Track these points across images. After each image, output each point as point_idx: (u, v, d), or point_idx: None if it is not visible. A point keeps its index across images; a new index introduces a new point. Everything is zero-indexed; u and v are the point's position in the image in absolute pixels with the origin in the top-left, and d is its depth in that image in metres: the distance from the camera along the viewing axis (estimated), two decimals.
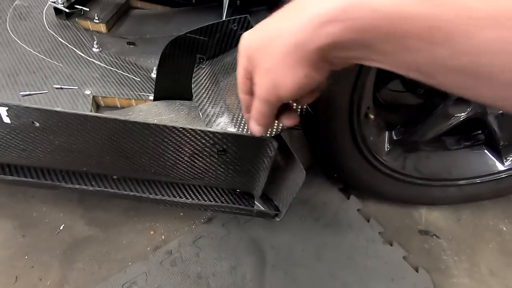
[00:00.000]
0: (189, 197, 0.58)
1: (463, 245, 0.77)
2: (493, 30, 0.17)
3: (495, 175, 0.76)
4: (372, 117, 0.68)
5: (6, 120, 0.41)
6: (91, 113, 0.41)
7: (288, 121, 0.35)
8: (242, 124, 0.50)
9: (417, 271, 0.70)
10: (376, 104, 0.73)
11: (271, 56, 0.26)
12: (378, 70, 0.64)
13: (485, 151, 0.77)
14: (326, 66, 0.25)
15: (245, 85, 0.31)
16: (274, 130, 0.45)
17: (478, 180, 0.76)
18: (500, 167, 0.76)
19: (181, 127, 0.42)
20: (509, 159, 0.75)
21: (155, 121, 0.65)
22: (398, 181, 0.74)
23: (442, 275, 0.71)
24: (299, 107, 0.42)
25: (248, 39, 0.29)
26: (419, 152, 0.76)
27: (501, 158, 0.76)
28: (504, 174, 0.75)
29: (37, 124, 0.42)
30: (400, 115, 0.79)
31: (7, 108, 0.40)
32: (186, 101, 0.71)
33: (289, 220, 0.75)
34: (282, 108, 0.35)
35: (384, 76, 0.74)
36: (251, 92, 0.32)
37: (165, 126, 0.42)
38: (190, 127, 0.42)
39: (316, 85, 0.27)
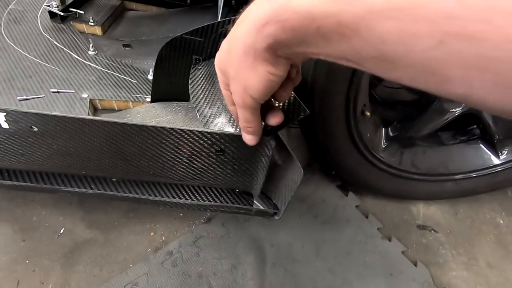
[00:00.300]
0: (188, 198, 0.58)
1: (460, 238, 0.78)
2: (388, 22, 0.19)
3: (491, 169, 0.77)
4: (368, 114, 0.69)
5: (4, 125, 0.41)
6: (89, 117, 0.41)
7: (274, 120, 0.37)
8: (239, 124, 0.50)
9: (415, 265, 0.71)
10: (372, 101, 0.73)
11: (233, 64, 0.29)
12: None
13: (481, 145, 0.78)
14: (282, 61, 0.28)
15: (228, 97, 0.35)
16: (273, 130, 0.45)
17: (474, 174, 0.77)
18: (496, 161, 0.77)
19: (179, 129, 0.42)
20: (504, 153, 0.76)
21: (153, 123, 0.66)
22: (396, 177, 0.75)
23: (441, 269, 0.72)
24: (286, 106, 0.43)
25: (218, 55, 0.32)
26: (416, 147, 0.77)
27: (496, 152, 0.77)
28: (500, 168, 0.76)
29: (36, 129, 0.42)
30: (396, 111, 0.80)
31: (5, 114, 0.40)
32: (183, 102, 0.71)
33: (288, 218, 0.75)
34: (265, 110, 0.37)
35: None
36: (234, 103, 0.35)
37: (163, 128, 0.42)
38: (188, 128, 0.42)
39: (282, 79, 0.30)
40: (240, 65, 0.29)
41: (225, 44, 0.31)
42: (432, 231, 0.80)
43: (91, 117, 0.41)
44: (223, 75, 0.32)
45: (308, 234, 0.73)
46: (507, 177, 0.79)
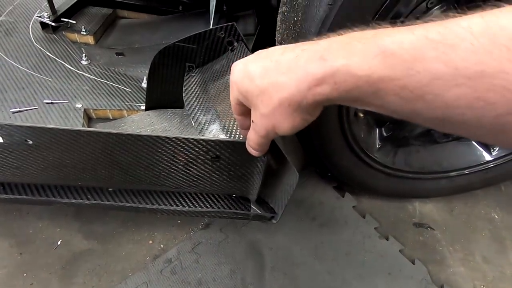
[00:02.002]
0: (185, 205, 0.58)
1: (457, 235, 0.79)
2: (457, 89, 0.20)
3: (484, 165, 0.78)
4: (361, 115, 0.70)
5: None
6: (84, 128, 0.41)
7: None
8: (234, 130, 0.50)
9: (413, 263, 0.71)
10: None
11: (268, 105, 0.30)
12: None
13: (473, 142, 0.79)
14: (320, 109, 0.29)
15: (238, 109, 0.35)
16: None
17: (467, 171, 0.78)
18: (488, 157, 0.78)
19: (174, 137, 0.42)
20: (495, 149, 0.78)
21: (148, 132, 0.66)
22: (391, 176, 0.76)
23: (438, 266, 0.73)
24: None
25: (241, 81, 0.32)
26: (409, 147, 0.78)
27: (488, 148, 0.78)
28: (492, 164, 0.78)
29: (30, 142, 0.42)
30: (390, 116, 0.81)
31: None
32: (178, 110, 0.71)
33: (286, 221, 0.76)
34: None
35: None
36: (243, 114, 0.36)
37: (158, 137, 0.42)
38: (183, 136, 0.42)
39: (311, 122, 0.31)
40: (277, 111, 0.29)
41: (255, 78, 0.30)
42: (429, 228, 0.80)
43: (86, 128, 0.41)
44: (242, 97, 0.32)
45: (306, 237, 0.73)
46: (499, 173, 0.80)
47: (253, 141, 0.36)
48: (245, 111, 0.35)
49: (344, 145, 0.67)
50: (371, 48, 0.23)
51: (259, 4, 1.02)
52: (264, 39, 0.95)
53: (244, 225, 0.74)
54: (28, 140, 0.42)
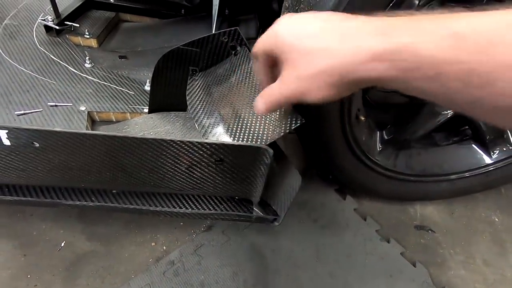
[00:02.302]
0: (188, 207, 0.59)
1: (457, 237, 0.80)
2: None
3: (484, 168, 0.79)
4: (362, 118, 0.70)
5: (6, 142, 0.42)
6: (89, 132, 0.42)
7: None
8: (237, 134, 0.51)
9: (414, 266, 0.72)
10: (366, 105, 0.75)
11: (309, 68, 0.27)
12: None
13: (473, 145, 0.80)
14: (356, 88, 0.28)
15: (266, 60, 0.32)
16: (269, 138, 0.46)
17: (468, 174, 0.79)
18: (488, 160, 0.78)
19: (178, 140, 0.43)
20: (496, 152, 0.78)
21: (152, 135, 0.66)
22: (392, 179, 0.76)
23: (439, 269, 0.73)
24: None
25: (286, 33, 0.29)
26: (410, 149, 0.78)
27: (488, 151, 0.79)
28: (492, 167, 0.78)
29: (37, 145, 0.43)
30: (390, 114, 0.81)
31: (6, 131, 0.40)
32: (181, 112, 0.72)
33: (288, 223, 0.76)
34: None
35: None
36: (268, 65, 0.33)
37: (162, 140, 0.43)
38: (188, 139, 0.43)
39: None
40: (316, 76, 0.27)
41: (306, 35, 0.28)
42: (430, 231, 0.81)
43: (92, 132, 0.42)
44: (280, 53, 0.29)
45: (308, 239, 0.74)
46: (499, 176, 0.80)
47: (270, 97, 0.33)
48: (272, 63, 0.33)
49: (345, 148, 0.68)
50: (441, 29, 0.22)
51: (261, 8, 1.03)
52: None
53: (246, 227, 0.74)
54: (35, 143, 0.43)
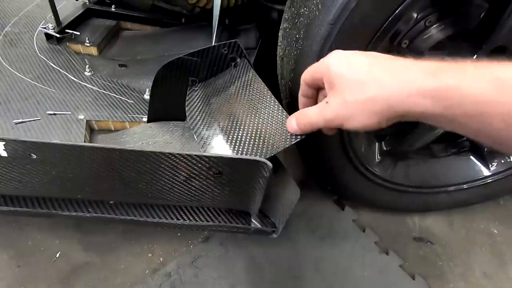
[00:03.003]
0: (186, 219, 0.58)
1: (457, 249, 0.79)
2: None
3: (482, 180, 0.79)
4: None
5: (3, 153, 0.42)
6: (88, 144, 0.41)
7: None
8: (236, 146, 0.51)
9: (413, 278, 0.71)
10: None
11: (357, 94, 0.30)
12: None
13: (471, 157, 0.80)
14: (395, 121, 0.30)
15: (312, 84, 0.35)
16: (269, 152, 0.46)
17: (466, 186, 0.79)
18: (486, 172, 0.79)
19: (177, 153, 0.43)
20: (494, 164, 0.78)
21: (151, 145, 0.66)
22: (390, 190, 0.76)
23: (439, 281, 0.73)
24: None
25: (338, 63, 0.32)
26: (409, 161, 0.78)
27: (486, 163, 0.79)
28: (490, 179, 0.78)
29: (35, 156, 0.42)
30: (389, 126, 0.82)
31: (4, 143, 0.40)
32: (180, 122, 0.72)
33: (286, 234, 0.75)
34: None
35: None
36: (312, 88, 0.36)
37: (161, 153, 0.43)
38: (186, 152, 0.43)
39: None
40: (363, 104, 0.29)
41: (357, 67, 0.30)
42: (429, 243, 0.80)
43: (90, 144, 0.41)
44: (328, 80, 0.32)
45: (306, 251, 0.73)
46: (498, 188, 0.80)
47: (309, 118, 0.36)
48: (316, 88, 0.36)
49: (344, 159, 0.68)
50: (484, 73, 0.24)
51: (260, 18, 1.04)
52: (266, 53, 0.97)
53: (244, 238, 0.74)
54: (32, 155, 0.42)
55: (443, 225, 0.84)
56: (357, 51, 0.33)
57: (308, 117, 0.36)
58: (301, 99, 0.40)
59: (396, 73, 0.28)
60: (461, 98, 0.25)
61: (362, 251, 0.75)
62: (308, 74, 0.36)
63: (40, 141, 0.41)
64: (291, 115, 0.41)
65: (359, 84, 0.30)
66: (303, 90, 0.39)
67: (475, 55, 0.62)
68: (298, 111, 0.39)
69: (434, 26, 0.69)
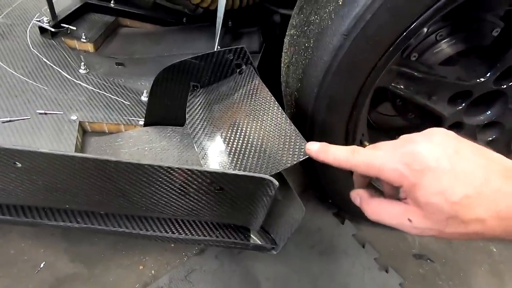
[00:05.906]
0: (181, 232, 0.55)
1: (456, 268, 0.78)
2: None
3: None
4: (366, 144, 0.68)
5: None
6: (79, 155, 0.38)
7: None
8: (239, 159, 0.48)
9: None
10: (368, 127, 0.73)
11: (458, 228, 0.28)
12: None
13: None
14: (478, 239, 0.30)
15: (393, 183, 0.32)
16: (275, 168, 0.44)
17: None
18: None
19: (177, 167, 0.40)
20: None
21: (147, 152, 0.63)
22: None
23: None
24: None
25: (441, 174, 0.28)
26: None
27: None
28: None
29: (19, 165, 0.39)
30: (391, 138, 0.80)
31: None
32: (178, 128, 0.69)
33: (284, 249, 0.72)
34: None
35: (374, 100, 0.75)
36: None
37: (160, 166, 0.40)
38: (187, 167, 0.40)
39: None
40: (459, 236, 0.29)
41: (444, 175, 0.28)
42: (428, 260, 0.79)
43: (81, 155, 0.38)
44: (411, 172, 0.29)
45: (304, 266, 0.71)
46: None
47: (371, 205, 0.36)
48: (386, 188, 0.36)
49: (347, 173, 0.66)
50: None
51: (264, 21, 1.01)
52: (269, 57, 0.94)
53: (240, 252, 0.71)
54: (17, 163, 0.39)
55: (443, 242, 0.83)
56: (435, 140, 0.30)
57: (370, 207, 0.36)
58: (357, 180, 0.40)
59: (495, 200, 0.27)
60: (499, 222, 0.26)
61: (362, 268, 0.72)
62: (366, 169, 0.34)
63: (26, 149, 0.37)
64: (314, 142, 0.39)
65: (443, 188, 0.28)
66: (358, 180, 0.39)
67: (488, 73, 0.61)
68: (325, 147, 0.38)
69: (445, 41, 0.67)
